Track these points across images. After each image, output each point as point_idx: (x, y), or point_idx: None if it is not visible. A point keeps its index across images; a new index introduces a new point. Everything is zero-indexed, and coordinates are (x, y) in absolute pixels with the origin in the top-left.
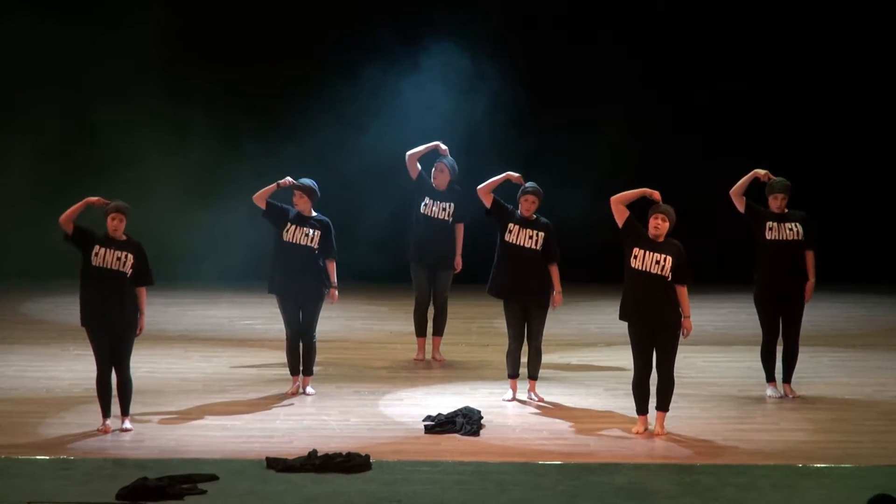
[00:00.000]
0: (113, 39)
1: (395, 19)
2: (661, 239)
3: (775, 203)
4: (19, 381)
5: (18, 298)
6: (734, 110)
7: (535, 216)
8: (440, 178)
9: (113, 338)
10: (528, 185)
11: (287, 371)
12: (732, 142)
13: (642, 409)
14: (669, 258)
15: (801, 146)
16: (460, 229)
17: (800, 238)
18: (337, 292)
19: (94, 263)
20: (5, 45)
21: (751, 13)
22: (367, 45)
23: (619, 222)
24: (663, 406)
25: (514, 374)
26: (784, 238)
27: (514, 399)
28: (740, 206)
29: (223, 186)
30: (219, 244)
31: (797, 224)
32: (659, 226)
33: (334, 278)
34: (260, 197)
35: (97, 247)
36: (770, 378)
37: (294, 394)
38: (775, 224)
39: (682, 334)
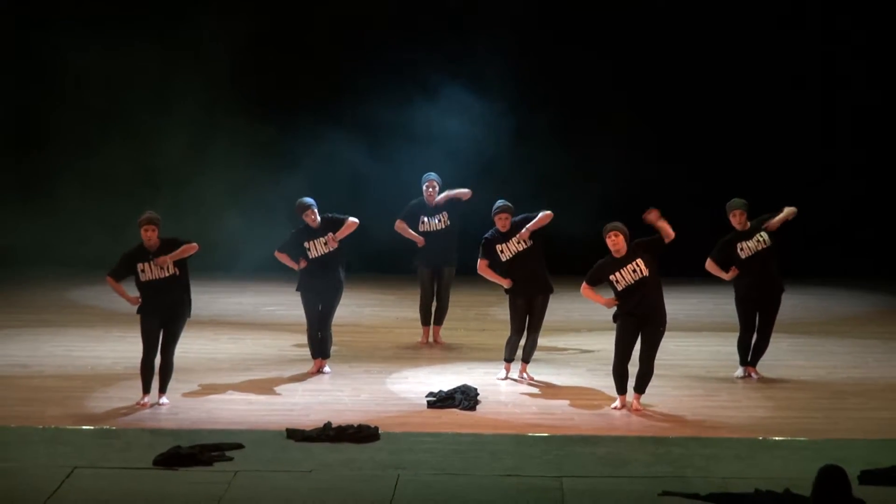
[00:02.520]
0: (164, 58)
1: (418, 43)
2: (624, 251)
3: (735, 220)
4: (67, 360)
5: (67, 286)
6: (713, 124)
7: (511, 224)
8: (433, 193)
9: (163, 324)
10: (498, 203)
11: (306, 353)
12: (711, 154)
13: (622, 389)
14: (640, 260)
15: (764, 155)
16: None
17: (768, 244)
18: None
19: (143, 280)
20: (68, 62)
21: (726, 35)
22: (388, 66)
23: (590, 293)
24: (640, 389)
25: (510, 359)
26: (754, 251)
27: (506, 378)
28: (722, 271)
29: (253, 191)
30: (246, 240)
31: (761, 234)
32: (616, 242)
33: (351, 223)
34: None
35: (140, 265)
36: (743, 362)
37: (314, 373)
38: (743, 243)
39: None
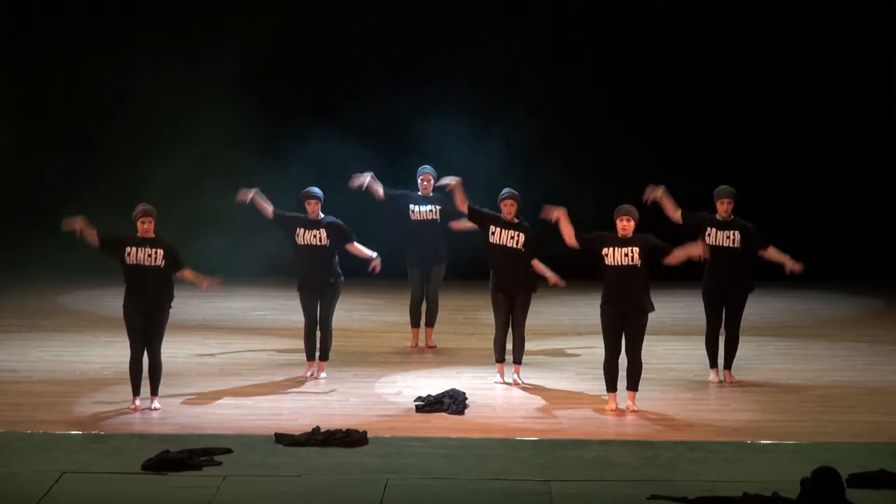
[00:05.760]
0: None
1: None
2: (629, 236)
3: (722, 207)
4: (56, 365)
5: (57, 291)
6: (704, 127)
7: (516, 219)
8: (429, 186)
9: (146, 322)
10: (504, 190)
11: (299, 356)
12: (692, 156)
13: (612, 386)
14: (636, 248)
15: (751, 157)
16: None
17: (735, 245)
18: (378, 260)
19: (128, 262)
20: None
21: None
22: (390, 75)
23: (577, 245)
24: (633, 386)
25: (500, 360)
26: (720, 244)
27: (502, 382)
28: (677, 219)
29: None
30: (235, 244)
31: (735, 232)
32: (626, 227)
33: (367, 252)
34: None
35: (129, 248)
36: (713, 364)
37: (308, 377)
38: (713, 230)
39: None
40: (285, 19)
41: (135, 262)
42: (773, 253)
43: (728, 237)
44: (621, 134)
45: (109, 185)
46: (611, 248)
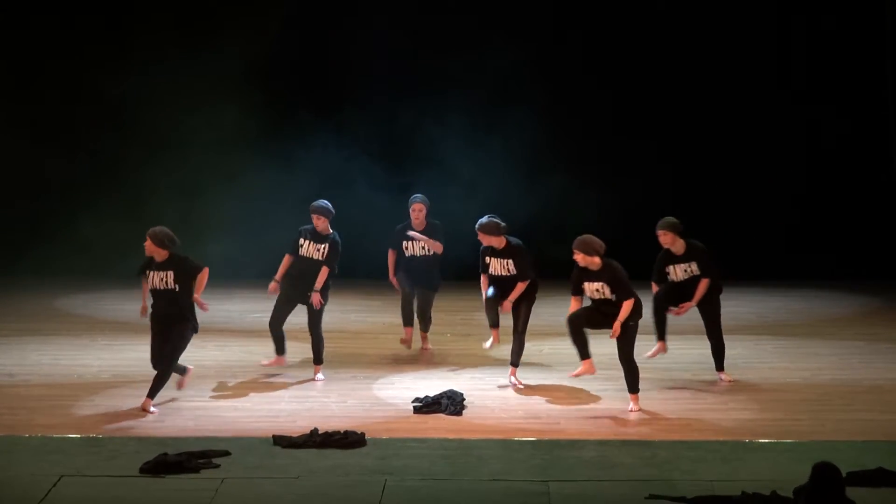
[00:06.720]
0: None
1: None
2: (593, 267)
3: (661, 239)
4: (54, 368)
5: (54, 295)
6: (699, 131)
7: (506, 243)
8: (420, 216)
9: (160, 334)
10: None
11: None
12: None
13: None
14: (605, 284)
15: (751, 157)
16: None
17: (696, 273)
18: (318, 297)
19: (149, 286)
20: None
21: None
22: (391, 85)
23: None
24: (634, 389)
25: (494, 325)
26: (681, 279)
27: (492, 346)
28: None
29: (248, 197)
30: (232, 245)
31: (692, 264)
32: (580, 261)
33: (319, 283)
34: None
35: (147, 271)
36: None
37: (272, 364)
38: (672, 267)
39: (612, 334)
40: (285, 19)
41: (152, 286)
42: (701, 287)
43: (686, 270)
44: (622, 136)
45: (109, 188)
46: (587, 282)
